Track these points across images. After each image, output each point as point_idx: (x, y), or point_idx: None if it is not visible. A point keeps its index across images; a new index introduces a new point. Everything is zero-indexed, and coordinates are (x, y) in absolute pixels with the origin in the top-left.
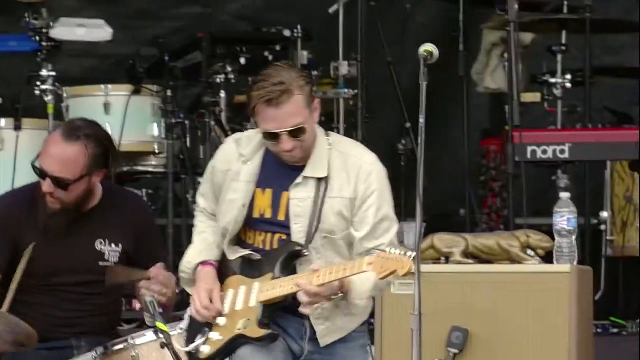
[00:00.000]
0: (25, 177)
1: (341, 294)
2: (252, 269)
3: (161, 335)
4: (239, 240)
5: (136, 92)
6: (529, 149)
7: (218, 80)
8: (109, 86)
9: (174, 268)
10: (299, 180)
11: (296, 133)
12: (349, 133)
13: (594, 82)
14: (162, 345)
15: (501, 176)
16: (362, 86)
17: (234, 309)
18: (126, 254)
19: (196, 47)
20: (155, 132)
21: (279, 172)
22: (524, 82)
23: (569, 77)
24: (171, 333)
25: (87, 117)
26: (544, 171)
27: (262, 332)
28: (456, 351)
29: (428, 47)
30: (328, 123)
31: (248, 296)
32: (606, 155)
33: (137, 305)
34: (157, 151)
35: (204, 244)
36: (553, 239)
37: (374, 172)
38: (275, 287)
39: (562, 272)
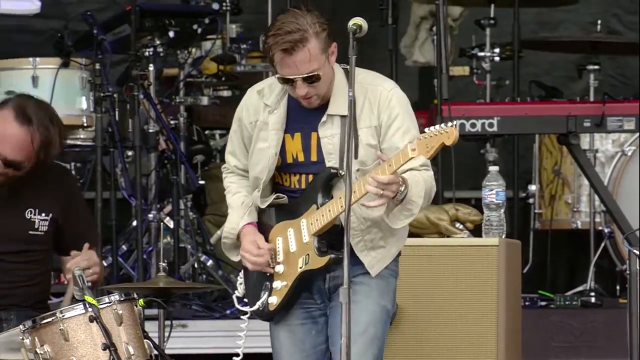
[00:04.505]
0: None
1: (404, 188)
2: (290, 211)
3: (90, 309)
4: (274, 185)
5: (64, 65)
6: (458, 122)
7: (147, 54)
8: (37, 59)
9: (103, 241)
10: (323, 119)
11: (310, 79)
12: None
13: (522, 56)
14: (91, 319)
15: None
16: None
17: (289, 252)
18: (55, 223)
19: (125, 20)
20: (84, 105)
21: (304, 114)
22: (453, 56)
23: (497, 50)
24: (100, 307)
25: (15, 91)
26: (472, 145)
27: (325, 259)
28: None
29: (357, 21)
30: None
31: (299, 235)
32: (534, 128)
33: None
34: (85, 124)
35: (244, 208)
36: (482, 212)
37: (394, 97)
38: (323, 213)
39: (490, 245)
